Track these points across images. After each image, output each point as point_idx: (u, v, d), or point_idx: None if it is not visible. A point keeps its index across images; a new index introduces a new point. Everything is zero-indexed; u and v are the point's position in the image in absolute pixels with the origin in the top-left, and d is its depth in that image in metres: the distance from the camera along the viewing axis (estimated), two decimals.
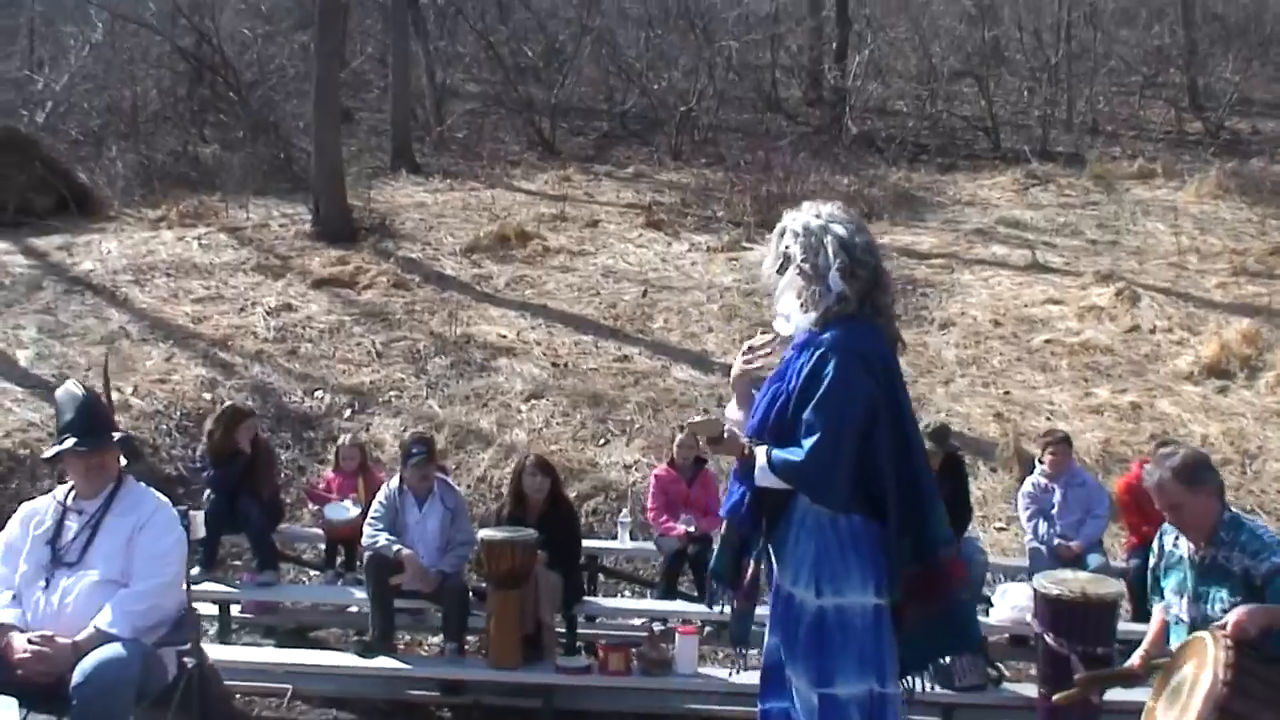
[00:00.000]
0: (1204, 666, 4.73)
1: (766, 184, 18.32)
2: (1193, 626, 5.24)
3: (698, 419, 4.74)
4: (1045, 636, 7.10)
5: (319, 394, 12.55)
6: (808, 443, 4.20)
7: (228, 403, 10.51)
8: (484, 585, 8.79)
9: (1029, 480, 9.21)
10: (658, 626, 8.61)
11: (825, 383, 4.21)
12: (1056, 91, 22.95)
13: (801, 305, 4.40)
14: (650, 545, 9.55)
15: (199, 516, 7.28)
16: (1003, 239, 16.96)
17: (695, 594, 9.13)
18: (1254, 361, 12.93)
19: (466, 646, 8.39)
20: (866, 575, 4.32)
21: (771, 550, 4.52)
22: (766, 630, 4.63)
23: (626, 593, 10.23)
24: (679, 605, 9.01)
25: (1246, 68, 22.81)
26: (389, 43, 22.81)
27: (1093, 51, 23.42)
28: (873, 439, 4.26)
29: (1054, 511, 8.97)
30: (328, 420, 12.14)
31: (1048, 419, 12.04)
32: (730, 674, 5.36)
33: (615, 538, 9.82)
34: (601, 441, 11.98)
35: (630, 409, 12.44)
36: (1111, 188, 19.26)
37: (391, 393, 12.69)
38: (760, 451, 4.38)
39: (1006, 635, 8.50)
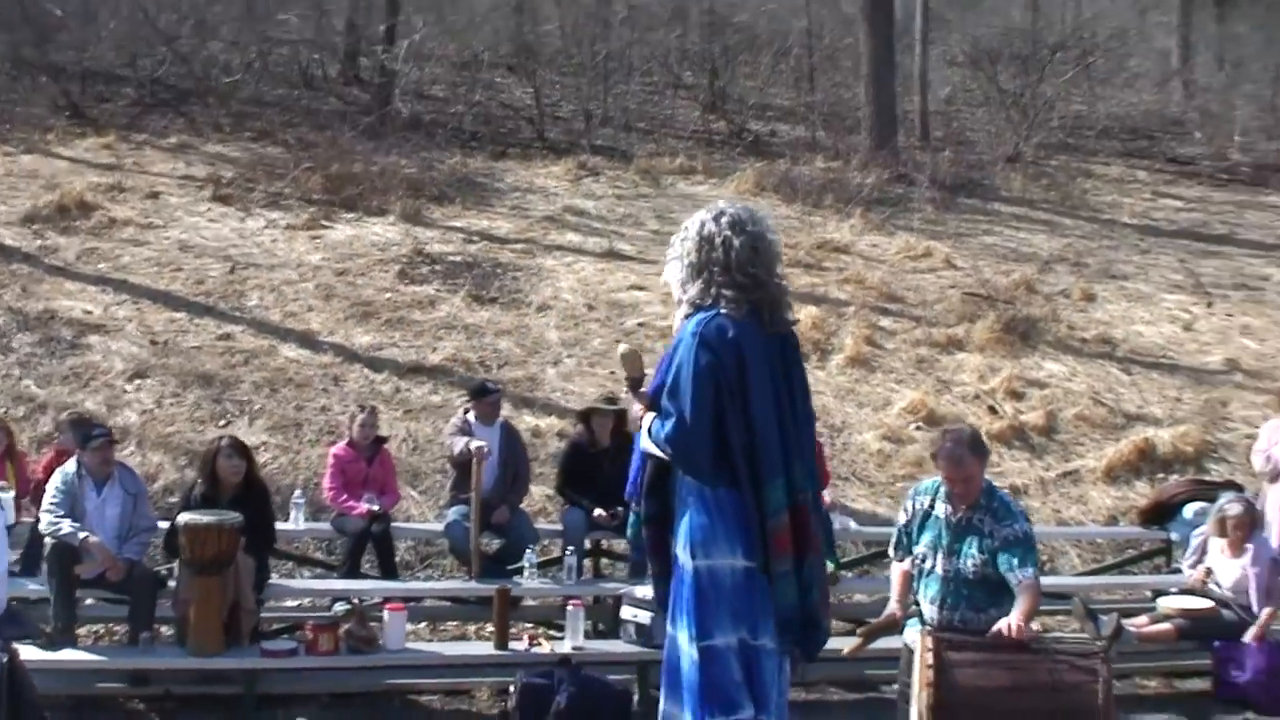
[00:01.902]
0: (919, 670, 5.48)
1: (337, 163, 18.15)
2: (946, 578, 6.01)
3: (626, 349, 4.91)
4: None
5: None
6: (668, 426, 4.52)
7: None
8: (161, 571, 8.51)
9: None
10: (340, 606, 8.60)
11: (677, 370, 4.55)
12: (594, 88, 23.89)
13: (679, 299, 4.73)
14: (324, 525, 9.45)
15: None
16: (574, 226, 17.63)
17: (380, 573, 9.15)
18: (824, 345, 14.22)
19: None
20: (734, 540, 4.61)
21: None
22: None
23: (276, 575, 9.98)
24: (371, 584, 8.99)
25: (770, 75, 24.72)
26: None
27: (627, 51, 24.59)
28: (724, 416, 4.59)
29: None
30: None
31: None
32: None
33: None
34: (222, 423, 11.59)
35: (246, 389, 12.14)
36: (657, 182, 20.36)
37: None
38: (648, 418, 4.67)
39: None
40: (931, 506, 6.13)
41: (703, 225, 4.72)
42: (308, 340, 13.20)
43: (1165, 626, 8.83)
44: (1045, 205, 20.86)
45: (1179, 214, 20.81)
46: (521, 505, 9.60)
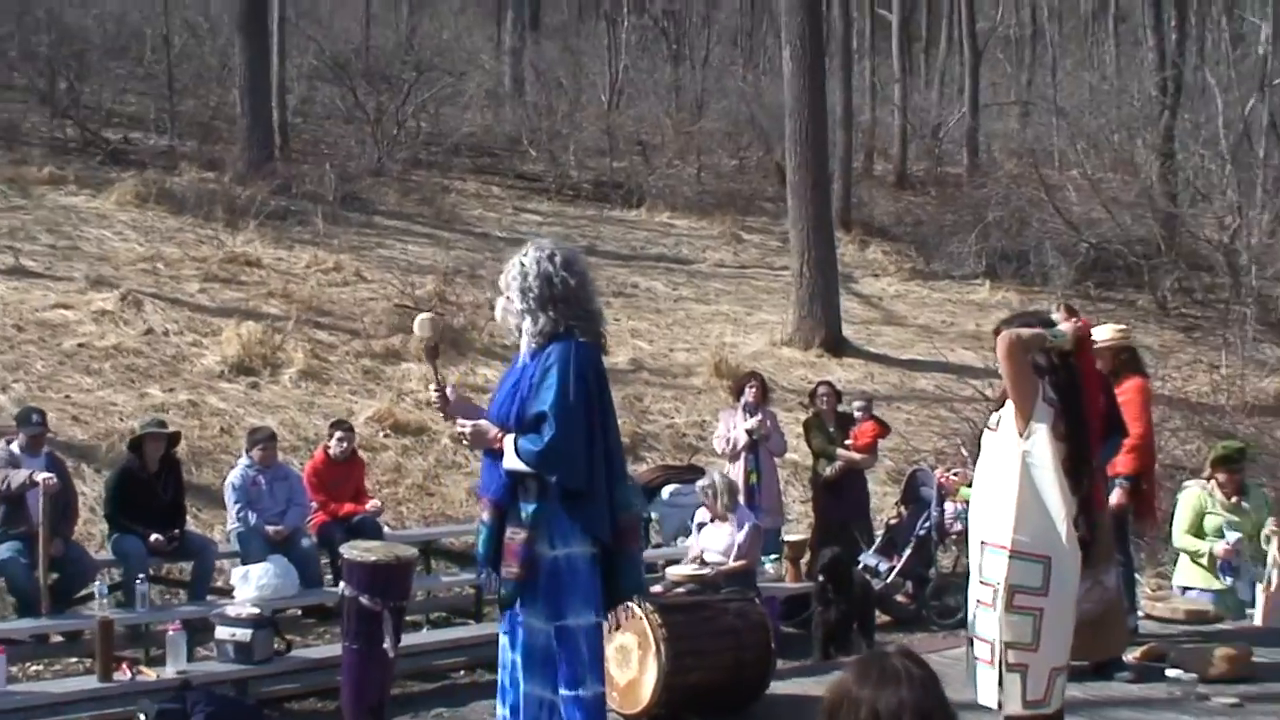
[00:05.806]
0: (644, 636, 6.56)
1: None
2: None
3: (426, 315, 5.56)
4: (360, 599, 8.11)
5: None
6: (546, 439, 5.15)
7: None
8: None
9: (235, 473, 9.92)
10: None
11: (552, 389, 5.19)
12: None
13: (519, 328, 5.31)
14: None
15: None
16: None
17: None
18: (272, 359, 14.46)
19: None
20: (588, 531, 5.33)
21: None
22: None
23: None
24: None
25: (124, 82, 24.00)
26: None
27: None
28: (591, 430, 5.30)
29: (262, 502, 9.83)
30: None
31: (121, 420, 12.52)
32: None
33: None
34: None
35: None
36: (27, 193, 19.28)
37: None
38: (508, 441, 5.21)
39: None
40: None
41: (539, 264, 5.31)
42: None
43: (679, 590, 10.19)
44: (422, 219, 22.06)
45: (541, 227, 22.72)
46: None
